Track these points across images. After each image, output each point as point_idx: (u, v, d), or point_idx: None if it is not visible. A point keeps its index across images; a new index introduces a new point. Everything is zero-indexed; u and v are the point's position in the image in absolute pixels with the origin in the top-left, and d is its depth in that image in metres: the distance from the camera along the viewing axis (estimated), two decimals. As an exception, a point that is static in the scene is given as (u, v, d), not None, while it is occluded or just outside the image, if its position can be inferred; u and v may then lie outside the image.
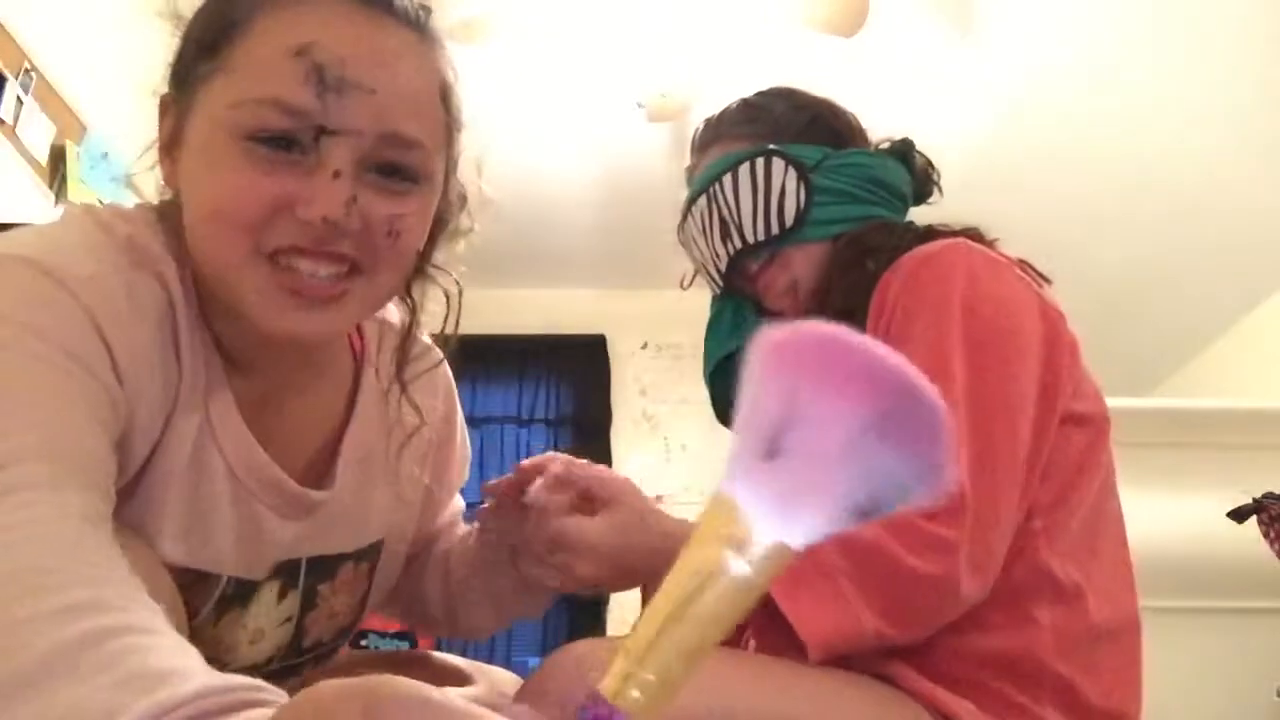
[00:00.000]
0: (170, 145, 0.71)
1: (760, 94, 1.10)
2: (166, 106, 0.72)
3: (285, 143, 0.65)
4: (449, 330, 0.86)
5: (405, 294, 0.83)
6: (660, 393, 4.38)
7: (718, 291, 1.08)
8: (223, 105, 0.66)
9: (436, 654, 1.04)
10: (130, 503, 0.67)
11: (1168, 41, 2.94)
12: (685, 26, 2.69)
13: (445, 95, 0.74)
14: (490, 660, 1.08)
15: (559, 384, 4.47)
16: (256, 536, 0.76)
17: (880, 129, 1.11)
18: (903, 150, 1.08)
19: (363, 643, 3.29)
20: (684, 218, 1.07)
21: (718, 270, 1.05)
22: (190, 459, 0.70)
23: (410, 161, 0.70)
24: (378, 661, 1.04)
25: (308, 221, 0.64)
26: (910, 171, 1.07)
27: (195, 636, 0.72)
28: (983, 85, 3.19)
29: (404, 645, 3.22)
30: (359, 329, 0.88)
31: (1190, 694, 1.73)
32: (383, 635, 3.41)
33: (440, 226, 0.81)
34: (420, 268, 0.80)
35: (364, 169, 0.68)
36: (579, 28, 2.85)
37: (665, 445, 4.38)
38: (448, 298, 0.85)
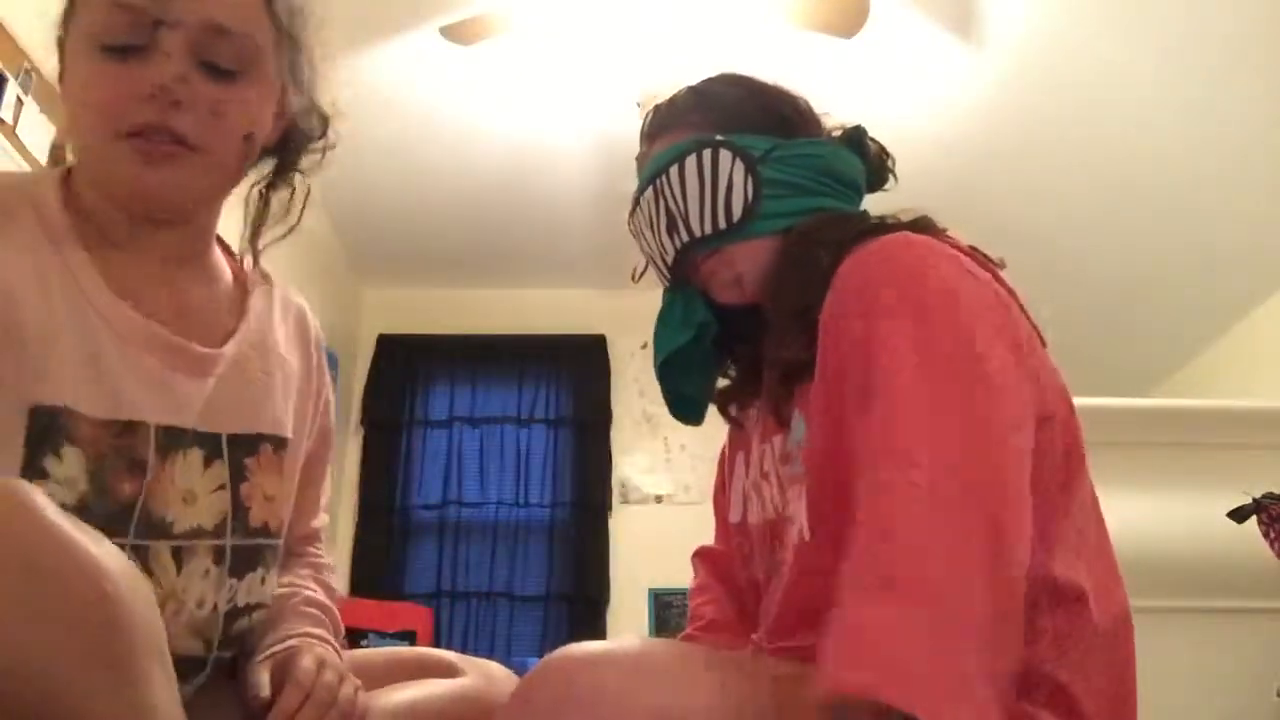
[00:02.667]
0: (60, 78, 0.87)
1: (709, 80, 1.08)
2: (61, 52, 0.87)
3: (130, 49, 0.81)
4: (291, 223, 1.01)
5: (263, 194, 0.99)
6: (660, 393, 4.37)
7: (666, 284, 1.06)
8: (78, 25, 0.84)
9: (431, 650, 1.06)
10: (37, 371, 0.79)
11: (1168, 43, 2.95)
12: (685, 26, 2.69)
13: (270, 4, 0.89)
14: (490, 659, 1.09)
15: (559, 384, 4.46)
16: (166, 389, 0.88)
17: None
18: (856, 138, 1.05)
19: (363, 642, 3.30)
20: (633, 209, 1.05)
21: (665, 263, 1.03)
22: (68, 321, 0.82)
23: (232, 50, 0.85)
24: (377, 659, 1.05)
25: (149, 95, 0.81)
26: (863, 159, 1.05)
27: (147, 489, 0.85)
28: (983, 85, 3.19)
29: (403, 644, 3.22)
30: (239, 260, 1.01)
31: (1190, 694, 1.73)
32: (382, 635, 3.42)
33: (295, 138, 0.98)
34: (283, 171, 0.98)
35: (195, 61, 0.84)
36: (579, 28, 2.85)
37: (665, 445, 4.38)
38: (293, 192, 1.00)
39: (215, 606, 0.89)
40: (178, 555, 0.86)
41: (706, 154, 0.98)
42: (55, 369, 0.81)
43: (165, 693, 0.69)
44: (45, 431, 0.78)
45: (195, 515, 0.89)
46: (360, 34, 3.02)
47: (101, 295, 0.86)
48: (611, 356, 4.45)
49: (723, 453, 1.16)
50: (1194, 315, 4.16)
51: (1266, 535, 1.65)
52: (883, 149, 1.07)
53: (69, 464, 0.79)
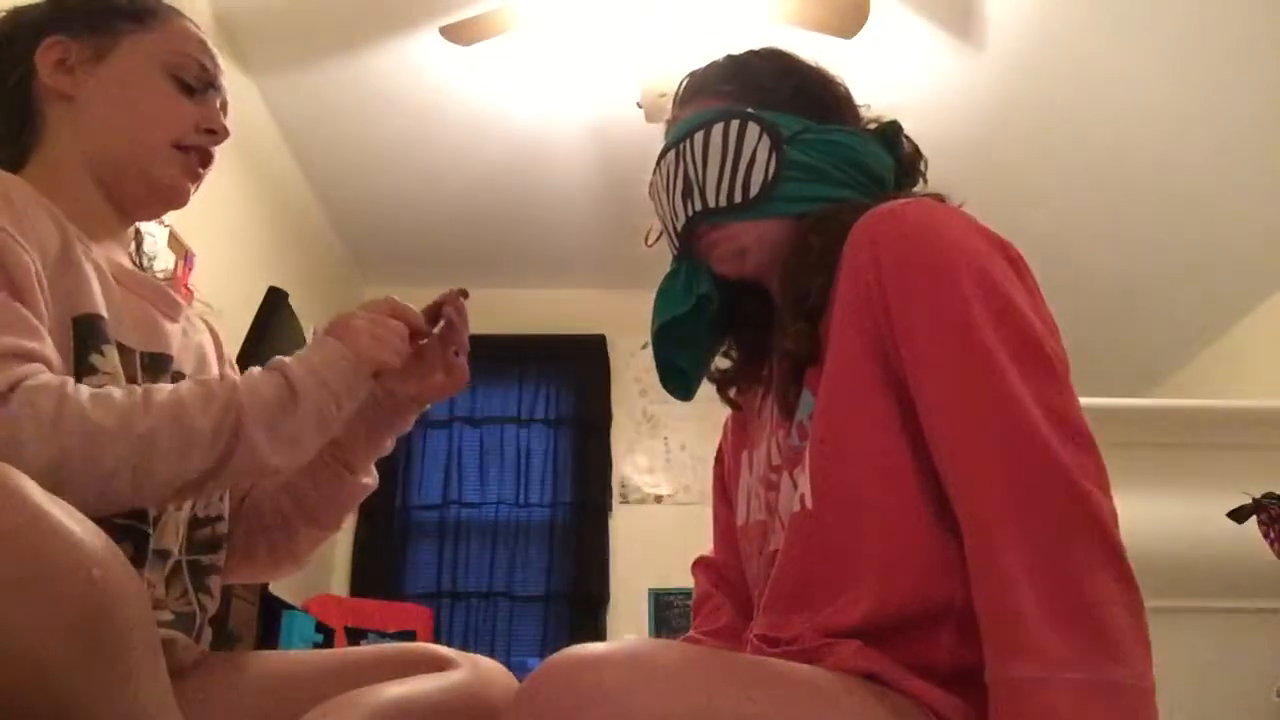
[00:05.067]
0: (69, 64, 1.02)
1: (750, 52, 1.06)
2: (68, 41, 1.03)
3: (191, 88, 1.07)
4: None
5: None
6: (660, 393, 4.33)
7: (675, 251, 1.03)
8: (156, 51, 1.05)
9: (418, 644, 1.08)
10: (80, 291, 0.94)
11: (1168, 44, 2.95)
12: (685, 26, 2.69)
13: None
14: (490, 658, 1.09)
15: (559, 384, 4.46)
16: (153, 325, 1.05)
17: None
18: (890, 134, 1.02)
19: (363, 642, 3.30)
20: (655, 170, 1.03)
21: (675, 229, 1.01)
22: (94, 271, 0.97)
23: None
24: (366, 657, 1.06)
25: (210, 131, 1.08)
26: (895, 157, 1.02)
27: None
28: (983, 86, 3.19)
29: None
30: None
31: (1190, 694, 1.73)
32: (382, 635, 3.42)
33: None
34: None
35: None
36: (579, 28, 2.85)
37: (665, 445, 4.38)
38: None
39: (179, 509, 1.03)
40: None
41: (734, 125, 0.96)
42: (86, 290, 0.95)
43: (154, 680, 0.68)
44: (88, 333, 0.92)
45: None
46: (360, 34, 3.02)
47: (101, 256, 1.00)
48: (611, 356, 4.45)
49: (719, 455, 1.14)
50: (1194, 315, 4.16)
51: (1266, 535, 1.65)
52: (917, 149, 1.04)
53: (110, 358, 0.93)
